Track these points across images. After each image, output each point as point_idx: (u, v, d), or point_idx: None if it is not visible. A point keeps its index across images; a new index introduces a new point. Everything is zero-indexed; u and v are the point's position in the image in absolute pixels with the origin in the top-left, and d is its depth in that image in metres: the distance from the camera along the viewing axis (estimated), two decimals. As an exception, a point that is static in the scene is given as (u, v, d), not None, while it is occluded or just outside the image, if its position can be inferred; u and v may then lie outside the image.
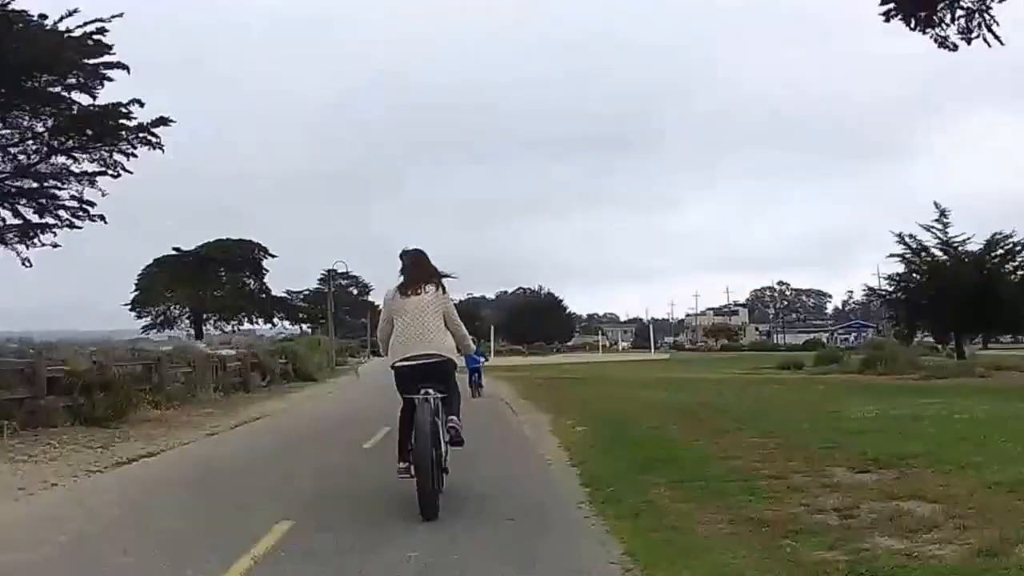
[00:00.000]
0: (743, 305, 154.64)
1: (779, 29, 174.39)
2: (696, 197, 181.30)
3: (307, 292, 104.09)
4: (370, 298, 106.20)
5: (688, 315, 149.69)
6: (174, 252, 66.31)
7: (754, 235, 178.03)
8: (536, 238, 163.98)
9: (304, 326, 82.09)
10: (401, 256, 6.68)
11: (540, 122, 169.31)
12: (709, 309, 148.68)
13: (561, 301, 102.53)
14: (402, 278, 6.59)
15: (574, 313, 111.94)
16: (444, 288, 6.56)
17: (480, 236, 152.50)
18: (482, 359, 20.71)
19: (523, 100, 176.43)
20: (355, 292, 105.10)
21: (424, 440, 5.85)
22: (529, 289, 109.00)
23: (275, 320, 71.12)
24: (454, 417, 6.29)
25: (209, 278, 68.51)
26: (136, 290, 67.28)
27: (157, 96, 45.78)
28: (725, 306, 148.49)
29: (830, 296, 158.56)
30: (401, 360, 6.28)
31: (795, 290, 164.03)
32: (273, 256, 69.21)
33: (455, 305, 6.61)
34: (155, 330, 66.46)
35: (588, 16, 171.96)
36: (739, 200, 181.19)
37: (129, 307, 67.04)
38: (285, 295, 76.22)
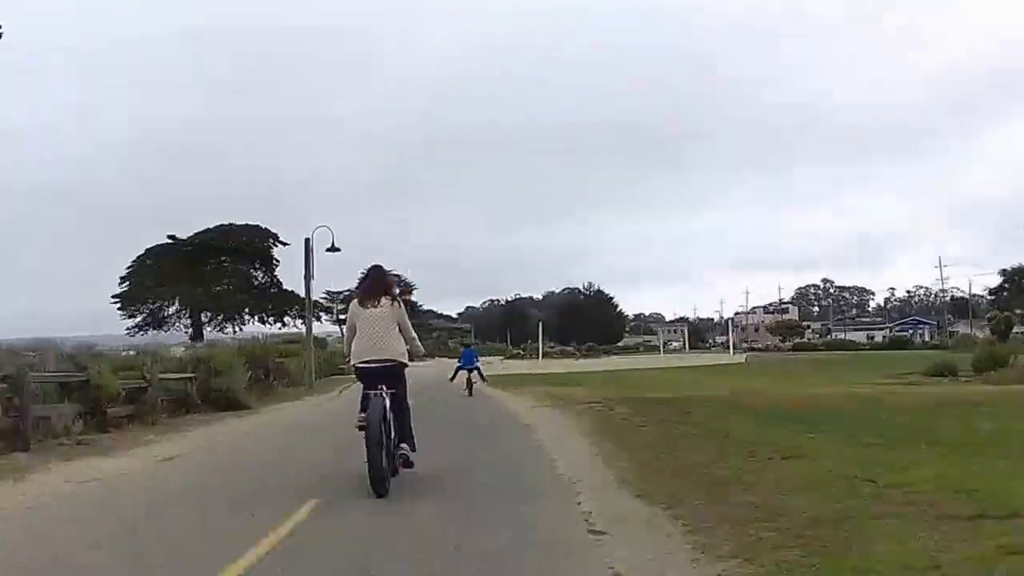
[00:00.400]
0: (790, 302, 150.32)
1: (827, 25, 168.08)
2: (725, 199, 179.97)
3: (348, 292, 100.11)
4: (413, 297, 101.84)
5: (738, 313, 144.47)
6: (169, 240, 57.01)
7: (784, 235, 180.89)
8: (574, 239, 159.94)
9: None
10: (367, 271, 8.03)
11: (579, 123, 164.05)
12: (757, 307, 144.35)
13: (611, 299, 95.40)
14: (362, 290, 7.77)
15: (623, 312, 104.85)
16: (398, 300, 7.68)
17: (524, 237, 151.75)
18: (477, 361, 23.69)
19: (565, 101, 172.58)
20: (397, 291, 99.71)
21: (374, 428, 6.80)
22: (576, 288, 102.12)
23: (287, 319, 59.48)
24: (404, 445, 7.44)
25: (209, 270, 58.83)
26: (125, 284, 57.31)
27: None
28: (773, 304, 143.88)
29: (872, 293, 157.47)
30: (361, 361, 7.37)
31: (838, 287, 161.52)
32: (284, 244, 56.71)
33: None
34: (143, 331, 56.73)
35: (633, 18, 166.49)
36: (770, 200, 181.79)
37: (118, 305, 57.17)
38: (325, 296, 65.53)
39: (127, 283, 57.52)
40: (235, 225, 58.61)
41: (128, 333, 55.95)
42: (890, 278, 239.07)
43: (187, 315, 59.12)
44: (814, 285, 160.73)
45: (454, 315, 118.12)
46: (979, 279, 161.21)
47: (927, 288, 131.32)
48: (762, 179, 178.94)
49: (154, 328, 57.29)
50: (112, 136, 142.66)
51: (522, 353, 79.58)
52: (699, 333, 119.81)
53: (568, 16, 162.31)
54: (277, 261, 61.29)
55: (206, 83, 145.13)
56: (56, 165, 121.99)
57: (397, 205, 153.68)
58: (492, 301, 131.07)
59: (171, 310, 58.49)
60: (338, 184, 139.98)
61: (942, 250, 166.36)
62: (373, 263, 7.98)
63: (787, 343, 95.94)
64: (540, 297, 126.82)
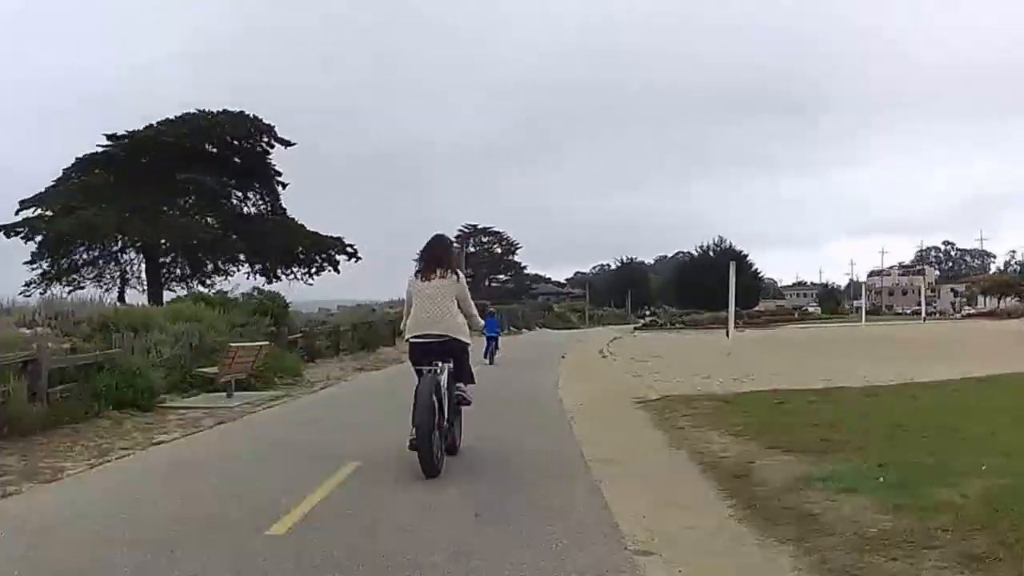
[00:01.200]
0: (929, 264, 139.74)
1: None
2: (847, 161, 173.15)
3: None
4: (517, 258, 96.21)
5: (871, 275, 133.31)
6: (107, 144, 36.48)
7: (897, 200, 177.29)
8: (691, 201, 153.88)
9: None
10: (428, 242, 7.44)
11: (699, 83, 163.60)
12: (891, 268, 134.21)
13: (746, 256, 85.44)
14: (420, 263, 7.29)
15: (760, 272, 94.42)
16: (458, 274, 7.27)
17: (628, 202, 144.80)
18: (499, 331, 24.38)
19: (683, 61, 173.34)
20: (499, 250, 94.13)
21: (422, 408, 6.46)
22: (701, 248, 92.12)
23: (294, 270, 40.06)
24: (461, 384, 7.28)
25: (170, 191, 37.87)
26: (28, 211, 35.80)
27: None
28: (909, 265, 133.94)
29: (994, 256, 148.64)
30: (414, 336, 7.03)
31: (960, 250, 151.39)
32: (289, 144, 38.49)
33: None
34: (46, 286, 34.59)
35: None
36: (888, 166, 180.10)
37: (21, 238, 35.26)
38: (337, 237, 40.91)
39: (32, 210, 35.91)
40: (205, 113, 37.48)
41: (24, 291, 32.29)
42: (1008, 241, 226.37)
43: (137, 261, 38.72)
44: (934, 247, 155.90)
45: (563, 280, 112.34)
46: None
47: None
48: (879, 147, 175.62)
49: (65, 279, 36.15)
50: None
51: (658, 321, 65.38)
52: (834, 298, 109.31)
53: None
54: (279, 176, 39.82)
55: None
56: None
57: (508, 172, 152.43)
58: (602, 266, 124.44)
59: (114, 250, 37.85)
60: (453, 147, 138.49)
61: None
62: (436, 233, 7.59)
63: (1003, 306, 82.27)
64: (652, 262, 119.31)
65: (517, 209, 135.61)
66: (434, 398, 6.57)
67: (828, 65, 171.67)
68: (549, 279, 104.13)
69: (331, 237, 40.84)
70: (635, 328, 58.82)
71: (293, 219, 40.67)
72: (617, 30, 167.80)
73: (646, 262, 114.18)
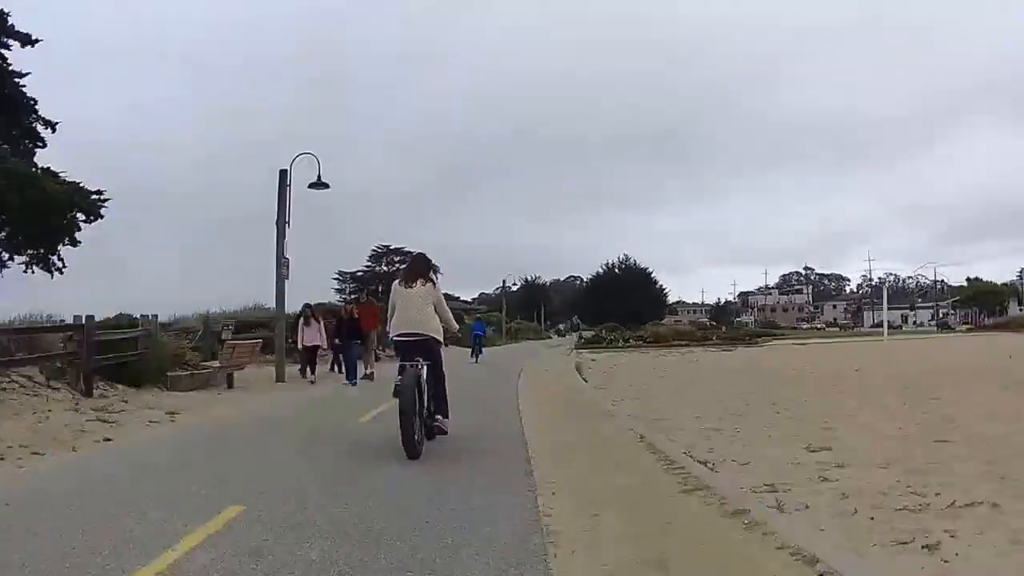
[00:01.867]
0: (790, 286, 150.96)
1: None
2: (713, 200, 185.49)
3: (360, 271, 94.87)
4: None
5: (752, 293, 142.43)
6: None
7: (766, 232, 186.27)
8: (582, 231, 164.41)
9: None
10: (411, 258, 9.18)
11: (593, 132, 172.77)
12: (759, 288, 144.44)
13: (651, 273, 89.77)
14: (404, 274, 8.55)
15: (664, 288, 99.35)
16: (435, 283, 8.43)
17: (526, 235, 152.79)
18: (484, 332, 27.24)
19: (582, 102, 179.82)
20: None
21: (406, 396, 7.30)
22: (609, 264, 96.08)
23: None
24: (439, 416, 8.17)
25: None
26: None
27: None
28: (762, 288, 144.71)
29: (848, 279, 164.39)
30: (398, 335, 8.09)
31: (818, 274, 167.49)
32: (29, 42, 22.21)
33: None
34: None
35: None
36: (745, 205, 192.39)
37: None
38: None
39: None
40: None
41: None
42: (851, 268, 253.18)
43: None
44: (796, 272, 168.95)
45: (469, 299, 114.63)
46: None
47: (896, 274, 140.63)
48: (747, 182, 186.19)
49: None
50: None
51: (602, 336, 49.43)
52: (723, 315, 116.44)
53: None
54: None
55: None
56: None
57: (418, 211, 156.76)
58: (503, 287, 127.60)
59: None
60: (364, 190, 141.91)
61: (888, 242, 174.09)
62: (417, 251, 9.09)
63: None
64: (547, 282, 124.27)
65: (426, 242, 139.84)
66: (415, 389, 7.46)
67: (696, 117, 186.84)
68: (458, 297, 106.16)
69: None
70: (576, 347, 43.06)
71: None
72: (521, 86, 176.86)
73: (546, 282, 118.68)
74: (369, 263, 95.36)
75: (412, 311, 8.02)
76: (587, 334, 54.77)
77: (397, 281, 8.40)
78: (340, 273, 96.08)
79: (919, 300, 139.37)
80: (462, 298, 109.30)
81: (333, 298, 57.58)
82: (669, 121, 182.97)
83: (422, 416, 7.71)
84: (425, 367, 7.87)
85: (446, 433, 8.19)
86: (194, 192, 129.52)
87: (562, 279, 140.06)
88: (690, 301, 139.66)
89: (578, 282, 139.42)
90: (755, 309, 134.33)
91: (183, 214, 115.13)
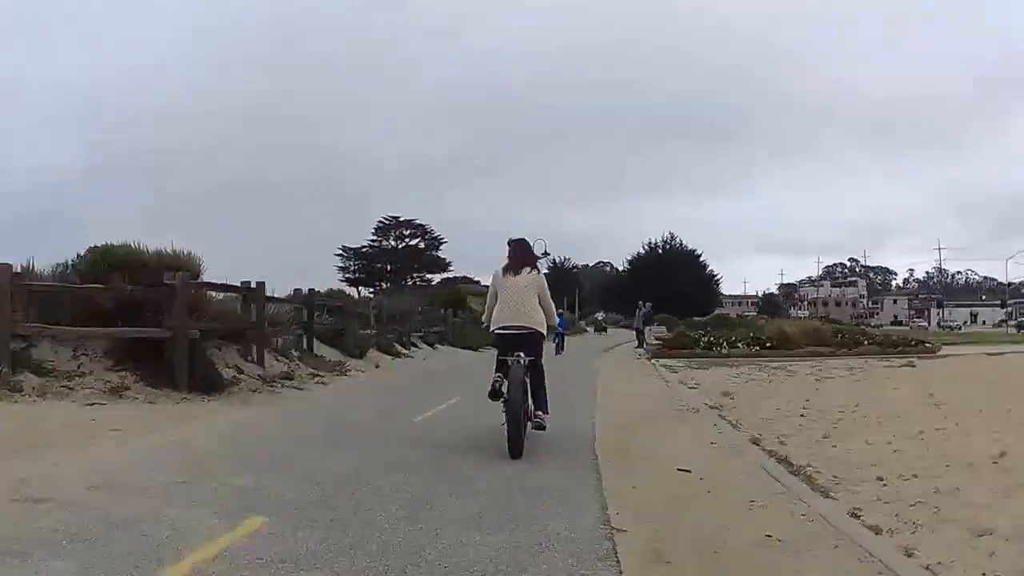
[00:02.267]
0: (834, 279, 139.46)
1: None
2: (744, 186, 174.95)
3: (365, 247, 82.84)
4: (441, 254, 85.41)
5: (802, 283, 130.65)
6: None
7: (792, 223, 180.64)
8: (611, 215, 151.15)
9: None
10: (508, 243, 7.99)
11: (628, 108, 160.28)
12: (814, 280, 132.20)
13: (700, 256, 77.40)
14: (507, 260, 7.82)
15: (716, 274, 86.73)
16: (539, 271, 7.86)
17: (556, 214, 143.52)
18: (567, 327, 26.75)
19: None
20: (422, 246, 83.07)
21: (516, 392, 7.01)
22: (652, 243, 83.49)
23: None
24: (540, 412, 7.55)
25: None
26: None
27: None
28: (816, 279, 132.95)
29: (895, 273, 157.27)
30: (500, 328, 7.54)
31: (864, 267, 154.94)
32: None
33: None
34: None
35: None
36: (785, 194, 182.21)
37: None
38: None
39: None
40: None
41: None
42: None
43: None
44: (840, 264, 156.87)
45: (487, 284, 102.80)
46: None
47: (945, 270, 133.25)
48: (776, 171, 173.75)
49: None
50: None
51: (708, 339, 28.49)
52: (771, 308, 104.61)
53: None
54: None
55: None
56: None
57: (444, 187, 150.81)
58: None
59: None
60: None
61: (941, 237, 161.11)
62: (518, 236, 8.21)
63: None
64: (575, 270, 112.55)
65: (451, 220, 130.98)
66: (522, 386, 7.07)
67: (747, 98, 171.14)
68: (478, 281, 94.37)
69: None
70: (649, 349, 28.55)
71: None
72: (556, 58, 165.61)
73: (576, 266, 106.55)
74: (375, 237, 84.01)
75: (516, 302, 7.53)
76: (658, 330, 34.88)
77: (500, 268, 7.83)
78: (344, 249, 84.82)
79: (983, 297, 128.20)
80: (482, 282, 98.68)
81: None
82: (694, 100, 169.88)
83: (527, 414, 7.28)
84: (528, 361, 7.32)
85: (544, 428, 7.56)
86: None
87: (591, 264, 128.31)
88: (726, 293, 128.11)
89: (608, 268, 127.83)
90: (804, 302, 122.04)
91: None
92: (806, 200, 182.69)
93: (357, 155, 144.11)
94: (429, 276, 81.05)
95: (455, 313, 36.00)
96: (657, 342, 28.52)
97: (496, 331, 7.56)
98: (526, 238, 8.17)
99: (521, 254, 7.85)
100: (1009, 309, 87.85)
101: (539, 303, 7.60)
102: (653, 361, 23.62)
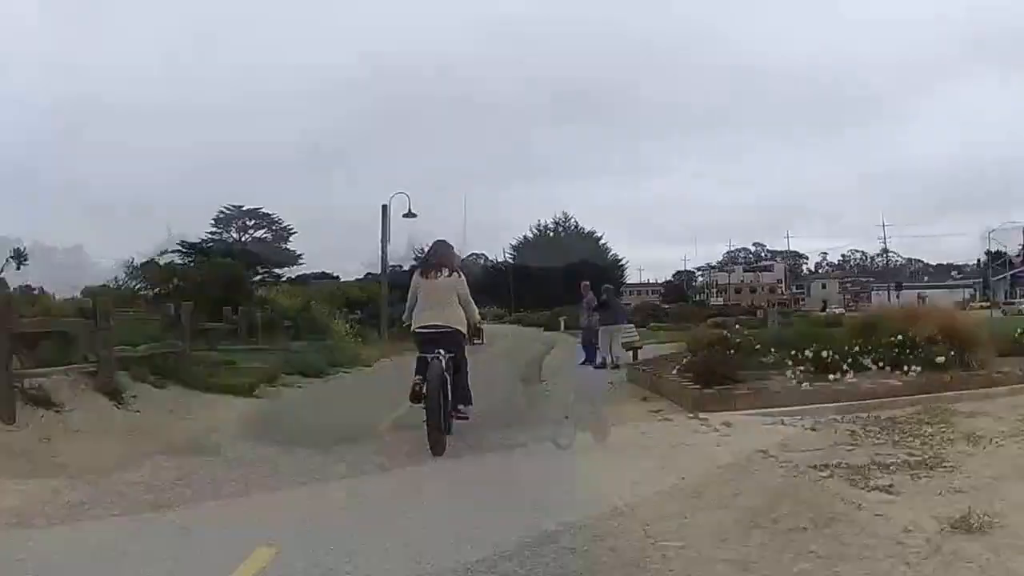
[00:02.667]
0: (737, 264, 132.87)
1: None
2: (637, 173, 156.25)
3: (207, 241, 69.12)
4: (291, 246, 72.49)
5: (712, 268, 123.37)
6: None
7: (696, 207, 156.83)
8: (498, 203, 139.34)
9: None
10: (432, 244, 8.58)
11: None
12: (724, 266, 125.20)
13: (599, 237, 67.18)
14: (427, 261, 8.32)
15: (618, 256, 76.43)
16: (459, 273, 8.09)
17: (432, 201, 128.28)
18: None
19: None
20: (269, 238, 70.26)
21: (434, 390, 7.22)
22: (542, 226, 72.64)
23: None
24: (460, 405, 7.85)
25: None
26: None
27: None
28: (716, 265, 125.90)
29: (806, 257, 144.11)
30: (419, 326, 7.79)
31: (770, 251, 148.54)
32: None
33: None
34: None
35: None
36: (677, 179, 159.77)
37: None
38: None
39: None
40: None
41: None
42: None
43: None
44: (743, 248, 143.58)
45: (352, 279, 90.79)
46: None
47: (863, 252, 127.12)
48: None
49: None
50: None
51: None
52: (678, 295, 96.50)
53: None
54: None
55: None
56: None
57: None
58: (393, 267, 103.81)
59: None
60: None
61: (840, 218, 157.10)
62: (438, 238, 8.52)
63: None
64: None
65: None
66: (440, 384, 7.29)
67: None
68: (337, 276, 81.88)
69: None
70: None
71: None
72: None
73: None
74: (214, 229, 70.67)
75: (435, 302, 7.81)
76: (633, 333, 19.15)
77: (418, 271, 8.21)
78: (182, 244, 71.07)
79: (926, 278, 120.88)
80: (343, 278, 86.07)
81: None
82: (584, 79, 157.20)
83: (447, 411, 7.54)
84: (447, 358, 7.54)
85: (468, 419, 7.94)
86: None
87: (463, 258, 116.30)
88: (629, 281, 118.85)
89: (482, 260, 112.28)
90: (713, 289, 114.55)
91: None
92: (706, 185, 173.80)
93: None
94: (277, 272, 68.29)
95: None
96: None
97: (417, 330, 7.81)
98: (446, 240, 8.44)
99: (439, 256, 8.20)
100: (972, 290, 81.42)
101: (459, 303, 7.88)
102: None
